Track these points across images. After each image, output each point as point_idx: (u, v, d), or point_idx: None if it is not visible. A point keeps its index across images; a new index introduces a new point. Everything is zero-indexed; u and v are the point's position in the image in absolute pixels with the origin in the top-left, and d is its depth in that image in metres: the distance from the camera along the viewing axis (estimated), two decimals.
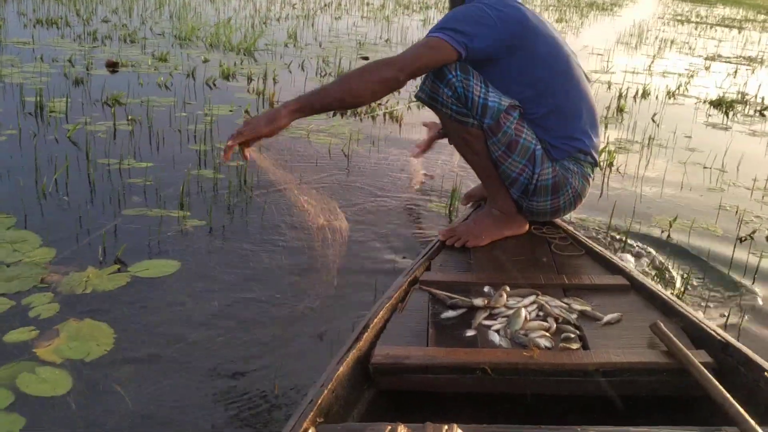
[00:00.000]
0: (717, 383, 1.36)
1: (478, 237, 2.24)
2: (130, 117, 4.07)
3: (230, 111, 4.43)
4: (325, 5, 12.51)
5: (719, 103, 6.10)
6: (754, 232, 3.01)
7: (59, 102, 4.25)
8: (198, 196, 2.99)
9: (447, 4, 2.40)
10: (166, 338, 1.96)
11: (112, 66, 5.54)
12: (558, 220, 2.42)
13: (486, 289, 1.88)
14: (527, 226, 2.35)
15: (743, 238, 2.96)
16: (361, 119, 4.60)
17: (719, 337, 1.58)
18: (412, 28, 10.05)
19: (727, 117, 5.72)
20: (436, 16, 12.21)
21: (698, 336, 1.63)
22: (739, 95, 6.59)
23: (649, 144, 4.47)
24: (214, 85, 5.25)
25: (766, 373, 1.44)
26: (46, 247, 2.42)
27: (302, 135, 4.02)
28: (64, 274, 2.25)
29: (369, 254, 2.57)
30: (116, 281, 2.24)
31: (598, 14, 16.19)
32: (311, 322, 2.10)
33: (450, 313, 1.74)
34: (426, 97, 2.17)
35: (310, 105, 2.01)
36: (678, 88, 6.74)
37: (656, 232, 2.96)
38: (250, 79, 5.50)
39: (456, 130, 2.20)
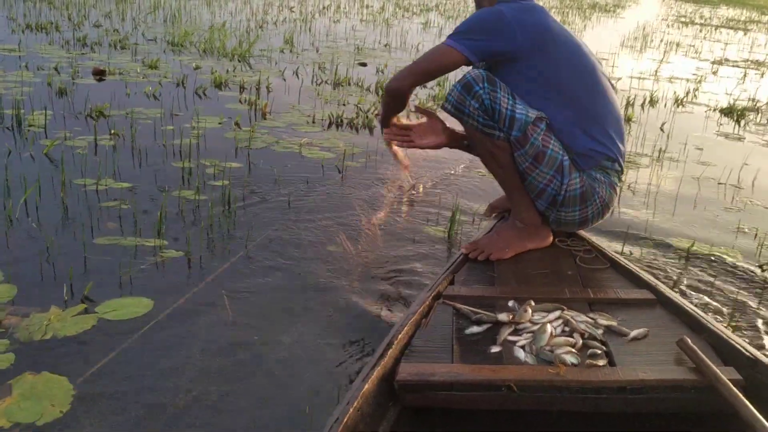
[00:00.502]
0: (746, 401, 1.34)
1: (501, 250, 2.22)
2: (113, 131, 3.86)
3: (219, 123, 4.22)
4: (324, 8, 12.30)
5: (730, 111, 5.89)
6: None
7: (39, 115, 4.04)
8: (177, 221, 2.77)
9: (471, 6, 2.37)
10: (132, 399, 1.74)
11: (99, 74, 5.33)
12: (582, 232, 2.40)
13: (510, 303, 1.86)
14: (551, 239, 2.32)
15: (764, 267, 2.75)
16: (357, 130, 4.39)
17: (748, 354, 1.56)
18: (412, 32, 9.85)
19: (739, 126, 5.50)
20: (436, 20, 12.01)
21: (726, 352, 1.61)
22: (750, 102, 6.37)
23: (659, 157, 4.25)
24: (205, 94, 5.04)
25: None
26: (6, 284, 2.20)
27: (294, 149, 3.81)
28: (23, 316, 2.03)
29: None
30: (81, 324, 2.02)
31: (600, 16, 15.98)
32: (309, 373, 1.89)
33: (475, 329, 1.74)
34: (452, 108, 2.15)
35: (384, 114, 2.34)
36: (686, 95, 6.52)
37: (673, 259, 2.75)
38: (242, 88, 5.29)
39: (482, 141, 2.18)
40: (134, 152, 3.56)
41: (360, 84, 5.78)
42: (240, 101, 4.87)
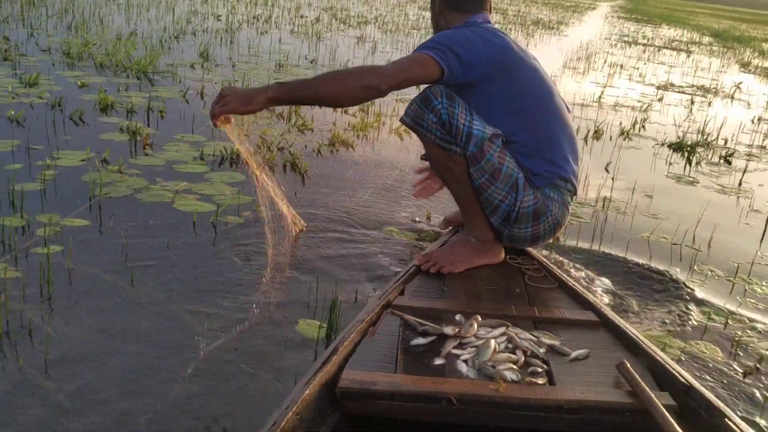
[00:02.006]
0: (677, 427, 1.37)
1: (453, 263, 2.25)
2: None
3: (82, 160, 3.46)
4: (254, 18, 11.54)
5: (680, 147, 5.38)
6: (760, 360, 2.23)
7: None
8: None
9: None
10: None
11: None
12: (533, 252, 2.45)
13: (457, 317, 1.89)
14: (503, 256, 2.36)
15: (747, 372, 2.16)
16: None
17: (683, 380, 1.60)
18: (344, 47, 9.19)
19: (690, 165, 4.99)
20: (373, 33, 11.39)
21: (663, 377, 1.65)
22: (700, 135, 5.89)
23: (604, 207, 3.67)
24: (81, 120, 4.26)
25: (726, 419, 1.46)
26: None
27: (166, 197, 3.09)
28: None
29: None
30: None
31: (543, 33, 15.59)
32: None
33: (420, 340, 1.75)
34: (410, 121, 2.19)
35: (289, 96, 2.07)
36: (633, 126, 6.01)
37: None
38: (130, 112, 4.54)
39: (439, 155, 2.21)
40: None
41: (272, 109, 5.09)
42: (120, 129, 4.12)
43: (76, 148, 3.63)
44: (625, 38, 17.60)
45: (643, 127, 6.16)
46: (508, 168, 2.15)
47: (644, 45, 16.10)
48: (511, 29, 15.09)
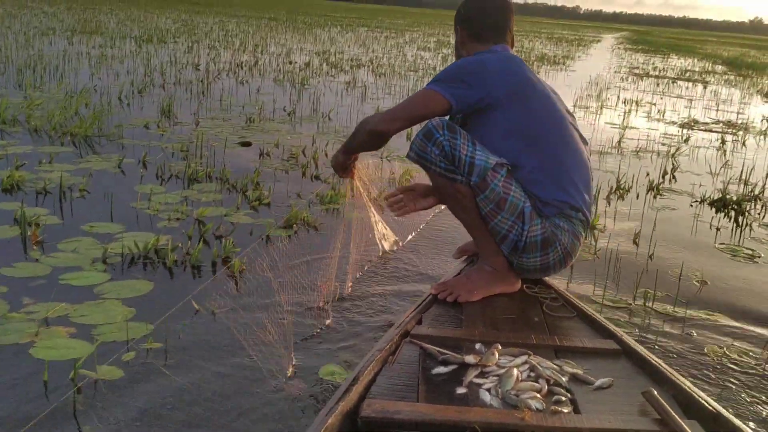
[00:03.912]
0: None
1: (470, 292, 2.24)
2: None
3: None
4: (238, 65, 10.74)
5: (723, 205, 4.42)
6: None
7: None
8: None
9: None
10: None
11: None
12: (550, 281, 2.42)
13: (477, 346, 1.86)
14: (519, 284, 2.35)
15: None
16: (172, 274, 2.78)
17: (710, 408, 1.57)
18: (330, 94, 8.33)
19: (741, 229, 4.03)
20: (365, 77, 10.55)
21: (689, 405, 1.61)
22: (743, 186, 4.95)
23: (645, 313, 2.71)
24: None
25: None
26: None
27: (26, 334, 2.16)
28: None
29: None
30: None
31: (549, 69, 14.75)
32: None
33: (441, 369, 1.73)
34: (415, 156, 2.21)
35: (349, 149, 2.40)
36: (662, 177, 5.08)
37: None
38: (42, 193, 3.65)
39: (445, 186, 2.22)
40: None
41: (225, 178, 4.18)
42: (16, 219, 3.22)
43: None
44: (636, 71, 16.75)
45: (674, 177, 5.22)
46: (513, 198, 2.16)
47: (656, 77, 15.25)
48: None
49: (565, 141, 2.24)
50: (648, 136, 7.11)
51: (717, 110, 9.79)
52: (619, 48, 28.34)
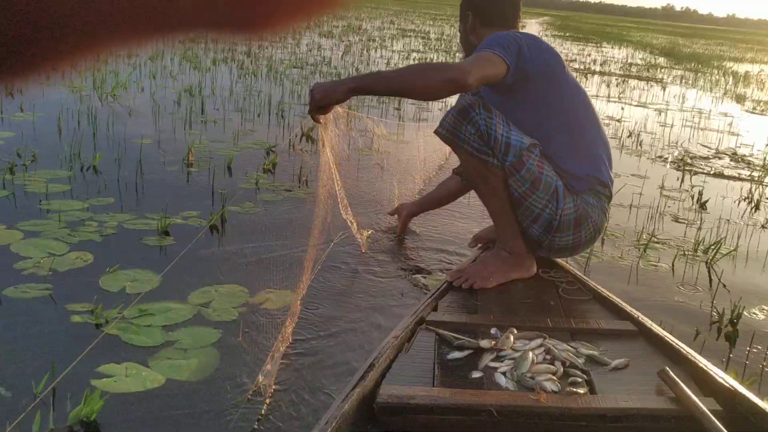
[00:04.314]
0: (725, 431, 1.35)
1: (485, 279, 2.23)
2: None
3: None
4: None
5: None
6: None
7: None
8: None
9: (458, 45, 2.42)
10: None
11: None
12: (565, 264, 2.42)
13: (493, 330, 1.86)
14: (535, 269, 2.33)
15: None
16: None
17: (728, 385, 1.56)
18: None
19: None
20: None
21: (706, 383, 1.61)
22: None
23: None
24: None
25: None
26: None
27: None
28: None
29: None
30: None
31: None
32: None
33: (456, 354, 1.74)
34: (447, 133, 2.17)
35: (369, 87, 2.16)
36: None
37: None
38: None
39: (475, 167, 2.19)
40: None
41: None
42: None
43: None
44: (574, 65, 14.19)
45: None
46: (547, 176, 2.15)
47: (602, 74, 12.74)
48: (433, 57, 11.70)
49: (592, 118, 2.28)
50: (623, 177, 4.44)
51: (699, 129, 7.25)
52: (547, 35, 25.80)
